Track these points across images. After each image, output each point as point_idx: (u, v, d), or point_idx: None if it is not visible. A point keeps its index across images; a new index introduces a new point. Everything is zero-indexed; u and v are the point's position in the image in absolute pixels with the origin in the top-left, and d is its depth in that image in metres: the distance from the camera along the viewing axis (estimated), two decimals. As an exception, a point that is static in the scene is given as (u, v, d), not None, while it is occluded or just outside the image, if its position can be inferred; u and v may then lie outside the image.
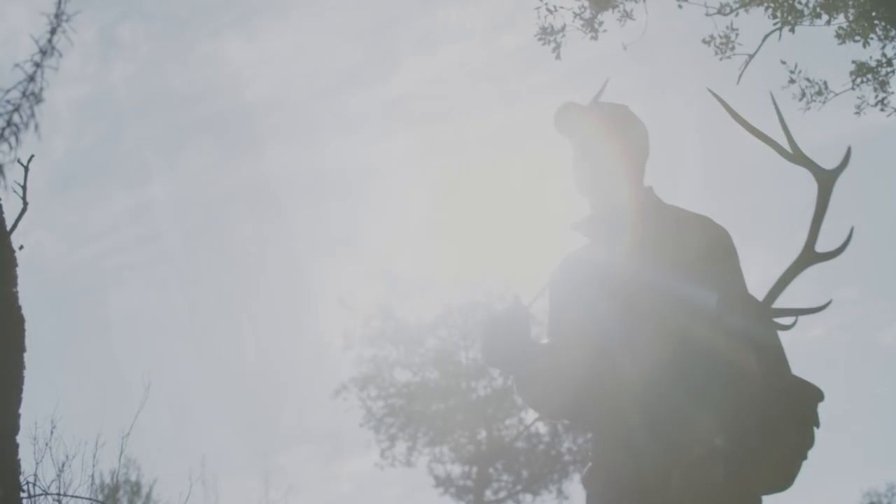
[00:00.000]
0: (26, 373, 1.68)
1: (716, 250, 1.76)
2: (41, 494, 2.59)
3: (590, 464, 1.82)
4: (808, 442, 1.77)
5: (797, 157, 1.86)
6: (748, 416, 1.67)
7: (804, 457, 1.77)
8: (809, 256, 1.86)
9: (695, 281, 1.70)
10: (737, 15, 4.54)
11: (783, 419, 1.71)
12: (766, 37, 4.50)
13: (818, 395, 1.80)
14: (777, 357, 1.82)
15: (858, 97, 4.49)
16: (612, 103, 1.98)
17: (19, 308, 1.69)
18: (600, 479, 1.74)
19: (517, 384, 1.91)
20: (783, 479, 1.75)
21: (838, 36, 4.40)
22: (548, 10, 4.40)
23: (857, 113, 4.54)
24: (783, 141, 1.88)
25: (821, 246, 1.88)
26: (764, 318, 1.78)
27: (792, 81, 4.53)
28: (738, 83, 4.64)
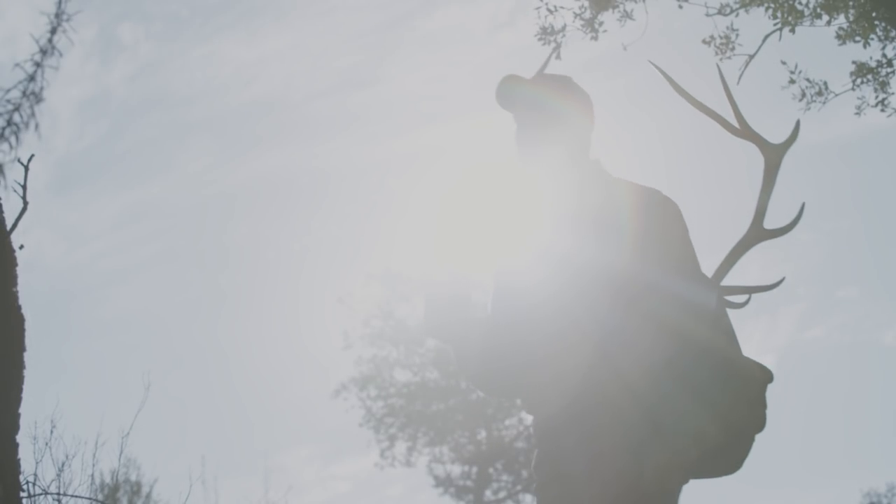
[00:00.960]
0: (26, 373, 1.68)
1: (663, 223, 1.69)
2: (41, 494, 2.59)
3: (537, 450, 1.77)
4: (759, 424, 1.71)
5: (744, 131, 1.83)
6: (734, 409, 1.62)
7: (753, 439, 1.71)
8: (758, 233, 1.81)
9: (641, 255, 1.64)
10: (737, 15, 4.54)
11: (734, 400, 1.65)
12: (766, 37, 4.50)
13: (768, 376, 1.74)
14: (728, 336, 1.77)
15: (858, 98, 4.49)
16: (555, 75, 1.93)
17: (19, 308, 1.69)
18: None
19: (457, 358, 1.84)
20: (733, 462, 1.69)
21: (838, 36, 4.40)
22: (548, 10, 4.39)
23: (857, 113, 4.54)
24: (731, 116, 1.85)
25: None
26: (715, 295, 1.74)
27: (792, 82, 4.53)
28: (738, 83, 4.64)
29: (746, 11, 4.51)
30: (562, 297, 1.69)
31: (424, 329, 1.81)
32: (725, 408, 1.64)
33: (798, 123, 1.81)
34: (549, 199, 1.81)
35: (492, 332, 1.80)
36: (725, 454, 1.69)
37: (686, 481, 1.67)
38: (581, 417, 1.64)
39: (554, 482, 1.68)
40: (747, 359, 1.76)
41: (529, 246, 1.82)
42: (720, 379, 1.64)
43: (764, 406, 1.75)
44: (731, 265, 1.83)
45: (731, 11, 4.53)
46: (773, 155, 1.81)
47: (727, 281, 1.89)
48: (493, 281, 1.91)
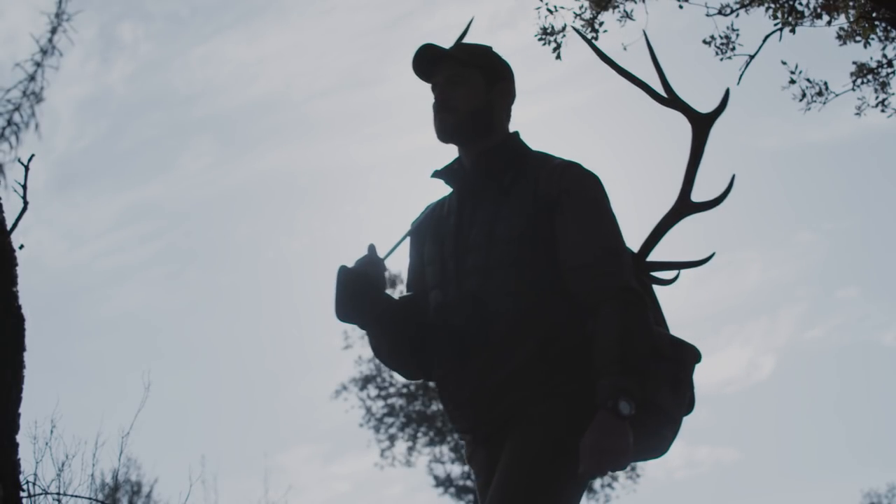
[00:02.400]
0: (26, 373, 1.68)
1: (582, 196, 1.65)
2: (41, 494, 2.59)
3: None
4: (685, 405, 1.67)
5: (671, 100, 1.79)
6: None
7: (679, 421, 1.67)
8: (685, 206, 1.77)
9: (556, 228, 1.61)
10: (737, 16, 4.53)
11: (660, 381, 1.62)
12: (766, 37, 4.49)
13: (695, 356, 1.71)
14: (655, 315, 1.72)
15: (859, 98, 4.49)
16: (475, 44, 1.89)
17: (19, 308, 1.69)
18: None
19: (372, 342, 1.81)
20: (657, 445, 1.65)
21: (839, 37, 4.40)
22: (548, 10, 4.39)
23: (857, 114, 4.53)
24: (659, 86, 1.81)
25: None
26: (640, 270, 1.71)
27: (792, 82, 4.52)
28: (738, 84, 4.63)
29: (746, 12, 4.51)
30: (487, 277, 1.67)
31: (336, 314, 1.76)
32: (653, 390, 1.61)
33: (727, 92, 1.77)
34: (470, 174, 1.77)
35: (412, 315, 1.78)
36: (652, 437, 1.66)
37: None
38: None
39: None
40: (674, 337, 1.73)
41: (450, 224, 1.78)
42: (650, 359, 1.61)
43: (691, 388, 1.72)
44: (657, 239, 1.78)
45: (732, 12, 4.52)
46: (701, 124, 1.76)
47: (654, 256, 1.84)
48: (410, 260, 1.89)
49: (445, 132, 1.76)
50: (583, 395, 1.55)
